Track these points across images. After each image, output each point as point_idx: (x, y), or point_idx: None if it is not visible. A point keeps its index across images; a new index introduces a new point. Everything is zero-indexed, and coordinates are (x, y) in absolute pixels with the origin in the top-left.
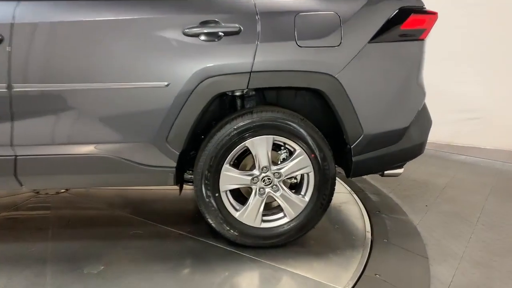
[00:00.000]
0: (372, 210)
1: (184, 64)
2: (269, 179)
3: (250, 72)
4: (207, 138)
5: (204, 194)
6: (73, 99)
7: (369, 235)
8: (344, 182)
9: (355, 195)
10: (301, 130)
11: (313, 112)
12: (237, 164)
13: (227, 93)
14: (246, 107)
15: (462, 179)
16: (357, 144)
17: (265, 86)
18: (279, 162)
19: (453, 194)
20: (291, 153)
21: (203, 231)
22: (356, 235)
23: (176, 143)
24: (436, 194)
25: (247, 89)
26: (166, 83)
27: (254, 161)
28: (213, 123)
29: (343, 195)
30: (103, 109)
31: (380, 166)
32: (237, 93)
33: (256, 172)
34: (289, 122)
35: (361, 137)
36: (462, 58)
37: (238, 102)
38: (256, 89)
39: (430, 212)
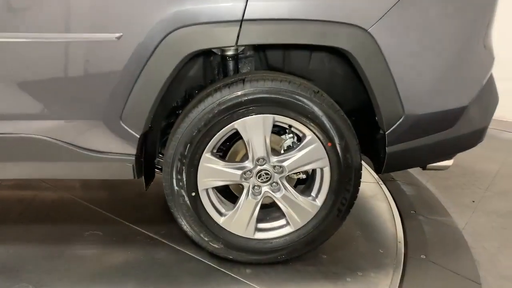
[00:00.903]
0: (406, 210)
1: (144, 6)
2: (267, 174)
3: (241, 21)
4: (180, 116)
5: (176, 193)
6: None
7: (401, 247)
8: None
9: (384, 187)
10: (315, 108)
11: (333, 83)
12: (224, 152)
13: (215, 52)
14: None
15: None
16: (395, 130)
17: (263, 42)
18: (282, 151)
19: (506, 186)
20: (299, 139)
21: (182, 234)
22: (384, 248)
23: (135, 122)
24: (485, 184)
25: (237, 47)
26: (117, 35)
27: (246, 150)
28: (195, 93)
29: (368, 186)
30: (28, 71)
31: (423, 159)
32: (228, 53)
33: (248, 164)
34: (298, 96)
35: (401, 119)
36: None
37: (230, 65)
38: (255, 49)
39: (479, 212)
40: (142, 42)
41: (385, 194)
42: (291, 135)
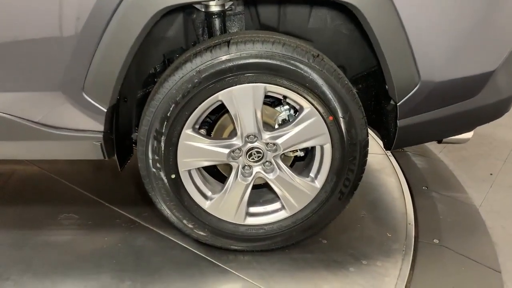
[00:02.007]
0: (417, 185)
1: None
2: (258, 152)
3: None
4: (154, 86)
5: (153, 175)
6: None
7: (412, 230)
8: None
9: (392, 159)
10: (314, 75)
11: (336, 45)
12: (209, 128)
13: (197, 8)
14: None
15: None
16: (408, 100)
17: None
18: (276, 126)
19: None
20: (295, 112)
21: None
22: (392, 231)
23: (100, 93)
24: (503, 155)
25: (223, 1)
26: None
27: (234, 125)
28: (176, 57)
29: (375, 158)
30: None
31: (440, 134)
32: (213, 9)
33: (237, 142)
34: (294, 62)
35: (416, 88)
36: None
37: (216, 24)
38: (246, 4)
39: (497, 186)
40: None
41: (393, 168)
42: (286, 107)
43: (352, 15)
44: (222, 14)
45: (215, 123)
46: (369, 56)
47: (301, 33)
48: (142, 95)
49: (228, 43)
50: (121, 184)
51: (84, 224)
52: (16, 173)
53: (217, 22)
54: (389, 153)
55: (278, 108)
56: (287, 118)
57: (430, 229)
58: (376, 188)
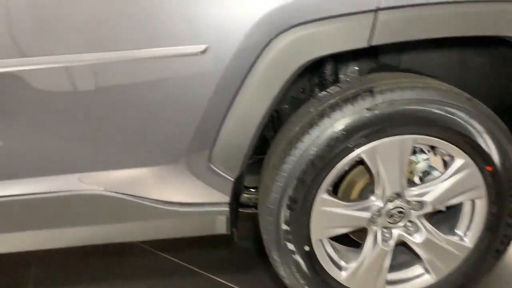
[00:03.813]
0: None
1: (235, 3)
2: (400, 212)
3: (376, 11)
4: (280, 146)
5: (283, 248)
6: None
7: None
8: None
9: None
10: (471, 121)
11: (464, 80)
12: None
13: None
14: (340, 77)
15: None
16: None
17: (412, 38)
18: (415, 179)
19: None
20: (444, 163)
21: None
22: None
23: (231, 161)
24: None
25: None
26: (202, 47)
27: (369, 183)
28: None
29: None
30: (79, 104)
31: None
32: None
33: (377, 202)
34: (449, 108)
35: None
36: None
37: (328, 69)
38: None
39: None
40: (236, 53)
41: None
42: (424, 156)
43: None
44: (335, 58)
45: (341, 180)
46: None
47: (424, 70)
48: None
49: (371, 92)
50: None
51: None
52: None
53: (328, 68)
54: None
55: (414, 157)
56: (426, 170)
57: None
58: None
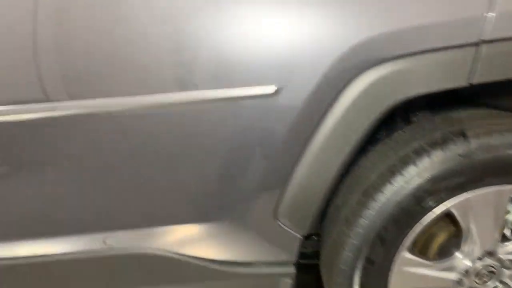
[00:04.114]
0: None
1: (311, 38)
2: (491, 272)
3: (478, 44)
4: (354, 198)
5: None
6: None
7: None
8: None
9: None
10: None
11: None
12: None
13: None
14: (411, 120)
15: None
16: None
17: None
18: (505, 231)
19: None
20: None
21: None
22: None
23: (300, 217)
24: None
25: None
26: (273, 88)
27: (452, 236)
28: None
29: None
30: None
31: None
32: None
33: (465, 260)
34: None
35: None
36: None
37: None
38: None
39: None
40: (311, 95)
41: None
42: None
43: None
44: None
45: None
46: None
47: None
48: None
49: (463, 135)
50: None
51: None
52: None
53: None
54: None
55: None
56: None
57: None
58: None
